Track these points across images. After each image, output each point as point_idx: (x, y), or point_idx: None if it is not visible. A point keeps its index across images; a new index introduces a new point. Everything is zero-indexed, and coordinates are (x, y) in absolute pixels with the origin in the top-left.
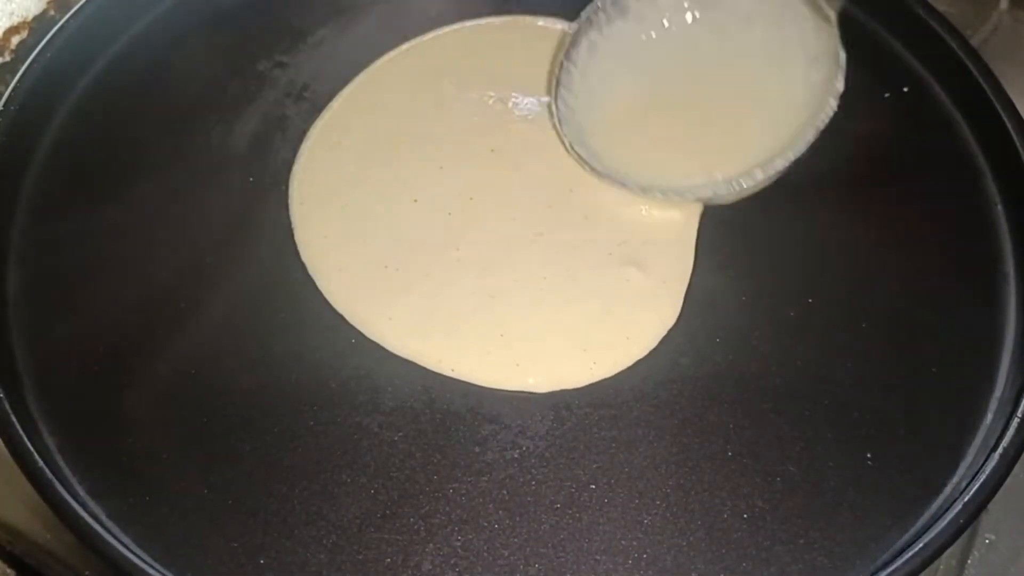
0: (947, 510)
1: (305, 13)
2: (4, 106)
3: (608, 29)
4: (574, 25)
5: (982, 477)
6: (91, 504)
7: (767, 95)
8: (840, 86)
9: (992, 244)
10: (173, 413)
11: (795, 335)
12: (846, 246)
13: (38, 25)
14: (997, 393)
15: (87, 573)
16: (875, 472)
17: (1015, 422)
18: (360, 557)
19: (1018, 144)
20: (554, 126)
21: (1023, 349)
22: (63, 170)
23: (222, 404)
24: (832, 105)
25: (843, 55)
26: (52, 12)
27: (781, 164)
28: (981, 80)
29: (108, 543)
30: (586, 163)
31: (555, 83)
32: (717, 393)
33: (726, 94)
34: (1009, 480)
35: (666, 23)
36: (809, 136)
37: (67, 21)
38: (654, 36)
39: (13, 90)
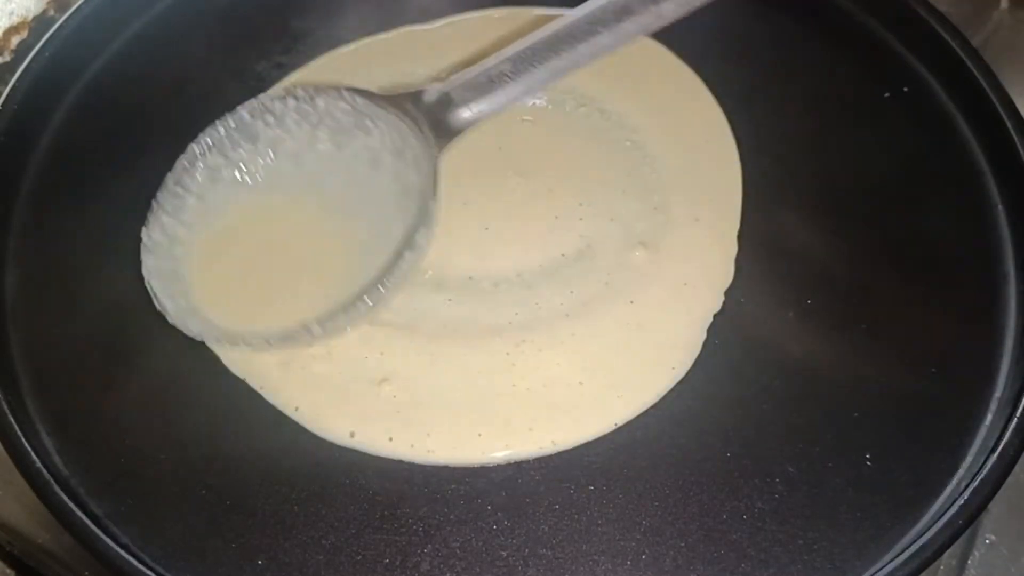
0: (947, 510)
1: (305, 13)
2: (3, 105)
3: (235, 154)
4: (192, 147)
5: (982, 477)
6: (89, 504)
7: (382, 232)
8: (422, 241)
9: (992, 244)
10: (172, 414)
11: (795, 335)
12: (846, 246)
13: (38, 25)
14: (997, 393)
15: (86, 573)
16: (875, 472)
17: (1015, 422)
18: (358, 558)
19: (1018, 144)
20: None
21: (1023, 349)
22: (62, 170)
23: (221, 405)
24: (407, 258)
25: (432, 205)
26: (52, 12)
27: (362, 308)
28: (981, 80)
29: (106, 544)
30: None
31: (157, 207)
32: (717, 393)
33: (332, 232)
34: (1009, 480)
35: (303, 153)
36: (396, 278)
37: (66, 21)
38: (293, 167)
39: (12, 89)
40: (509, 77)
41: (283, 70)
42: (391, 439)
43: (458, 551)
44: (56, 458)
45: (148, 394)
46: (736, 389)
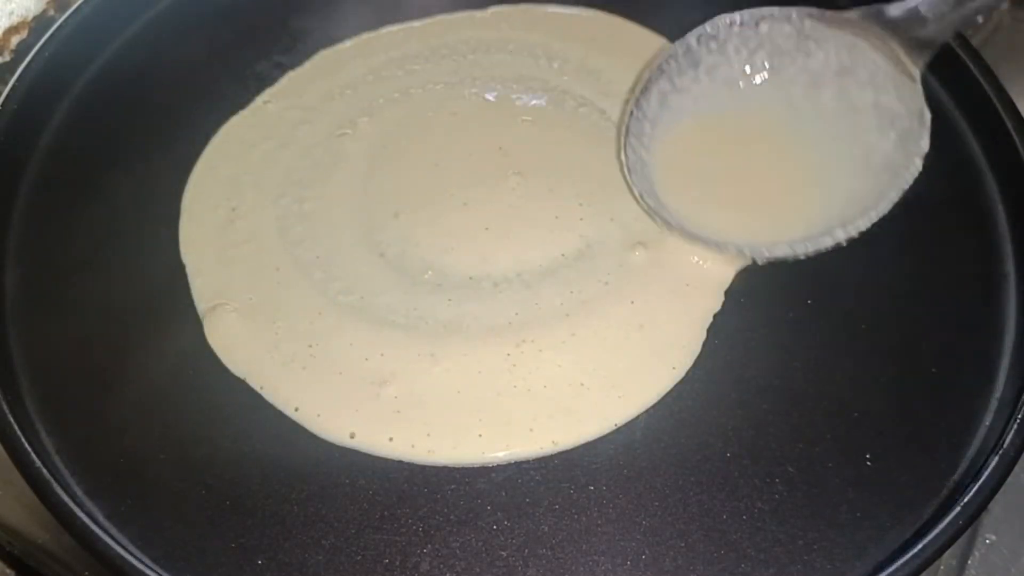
0: (947, 510)
1: (304, 13)
2: (3, 105)
3: (680, 80)
4: (645, 74)
5: (982, 477)
6: (89, 505)
7: (842, 156)
8: (925, 145)
9: (992, 244)
10: (171, 414)
11: (795, 335)
12: (845, 246)
13: (38, 25)
14: (997, 393)
15: (86, 574)
16: (875, 472)
17: (1015, 422)
18: (358, 558)
19: (1018, 144)
20: (623, 175)
21: (1023, 349)
22: (61, 170)
23: (221, 405)
24: (917, 165)
25: (928, 114)
26: (52, 12)
27: (864, 225)
28: (981, 80)
29: (106, 544)
30: (657, 215)
31: (624, 132)
32: (716, 393)
33: (799, 155)
34: (1009, 480)
35: (737, 78)
36: (893, 196)
37: (66, 21)
38: (725, 92)
39: (12, 89)
40: None
41: (283, 69)
42: (391, 439)
43: (458, 551)
44: (56, 458)
45: (148, 394)
46: (736, 389)
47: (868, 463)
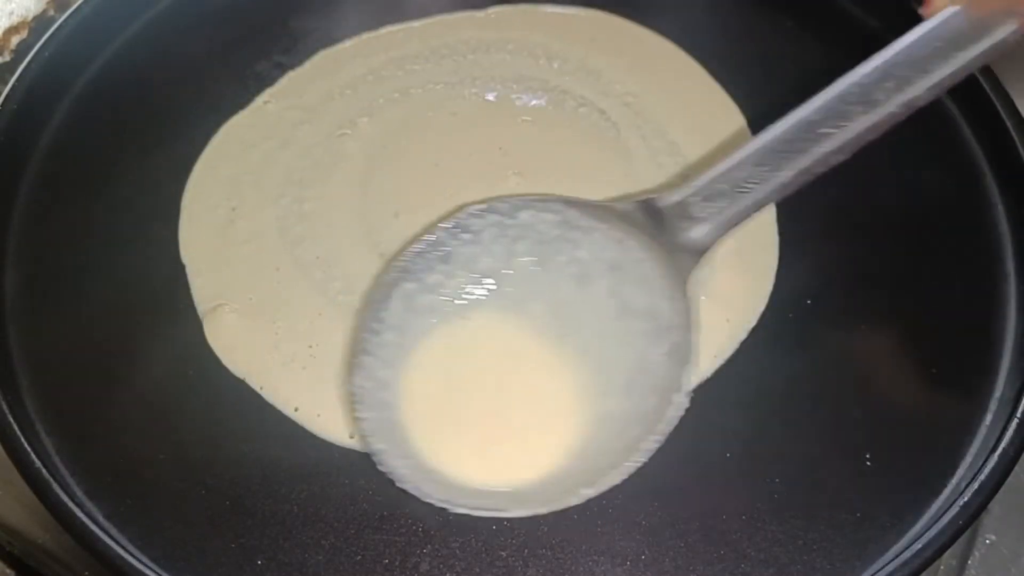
0: (947, 510)
1: (304, 13)
2: (3, 105)
3: (429, 277)
4: (383, 277)
5: (982, 477)
6: (88, 505)
7: (614, 367)
8: (687, 382)
9: (992, 244)
10: (171, 414)
11: (794, 336)
12: (844, 246)
13: (38, 25)
14: (997, 393)
15: (86, 574)
16: (875, 472)
17: (1015, 422)
18: (358, 558)
19: (1018, 144)
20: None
21: (1023, 349)
22: (61, 170)
23: (221, 405)
24: (678, 403)
25: (694, 336)
26: (52, 12)
27: (607, 484)
28: (981, 80)
29: (106, 544)
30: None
31: (358, 351)
32: (716, 393)
33: (567, 367)
34: (1009, 480)
35: (499, 267)
36: (646, 446)
37: (66, 21)
38: (484, 286)
39: (12, 89)
40: (754, 182)
41: (283, 69)
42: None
43: (458, 551)
44: (56, 458)
45: (148, 394)
46: (736, 389)
47: (868, 463)
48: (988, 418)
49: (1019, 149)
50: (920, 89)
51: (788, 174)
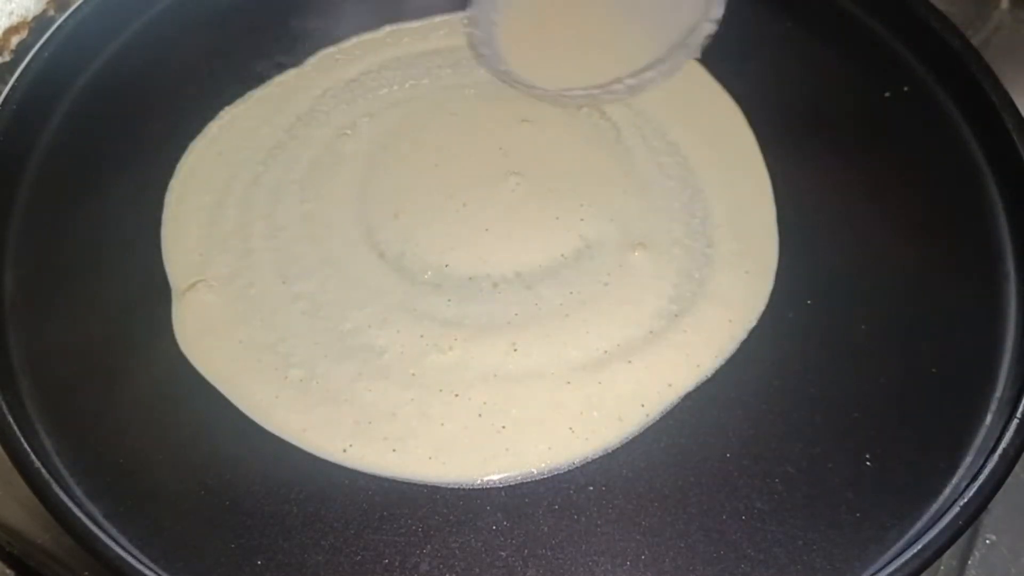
0: (947, 510)
1: (305, 13)
2: (3, 105)
3: None
4: None
5: (982, 477)
6: (88, 505)
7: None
8: (718, 11)
9: (992, 244)
10: (170, 414)
11: (794, 336)
12: (845, 246)
13: (38, 25)
14: (997, 393)
15: (86, 574)
16: (875, 472)
17: (1015, 422)
18: (358, 558)
19: (1018, 144)
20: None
21: (1023, 349)
22: (61, 170)
23: (221, 405)
24: (708, 28)
25: None
26: (52, 12)
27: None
28: (981, 80)
29: (105, 544)
30: (492, 67)
31: None
32: (715, 394)
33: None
34: (1009, 480)
35: None
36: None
37: (66, 21)
38: None
39: (12, 89)
40: None
41: (283, 69)
42: (386, 438)
43: (457, 551)
44: (56, 459)
45: (148, 394)
46: (735, 389)
47: (868, 463)
48: (988, 418)
49: (1019, 149)
50: None
51: None
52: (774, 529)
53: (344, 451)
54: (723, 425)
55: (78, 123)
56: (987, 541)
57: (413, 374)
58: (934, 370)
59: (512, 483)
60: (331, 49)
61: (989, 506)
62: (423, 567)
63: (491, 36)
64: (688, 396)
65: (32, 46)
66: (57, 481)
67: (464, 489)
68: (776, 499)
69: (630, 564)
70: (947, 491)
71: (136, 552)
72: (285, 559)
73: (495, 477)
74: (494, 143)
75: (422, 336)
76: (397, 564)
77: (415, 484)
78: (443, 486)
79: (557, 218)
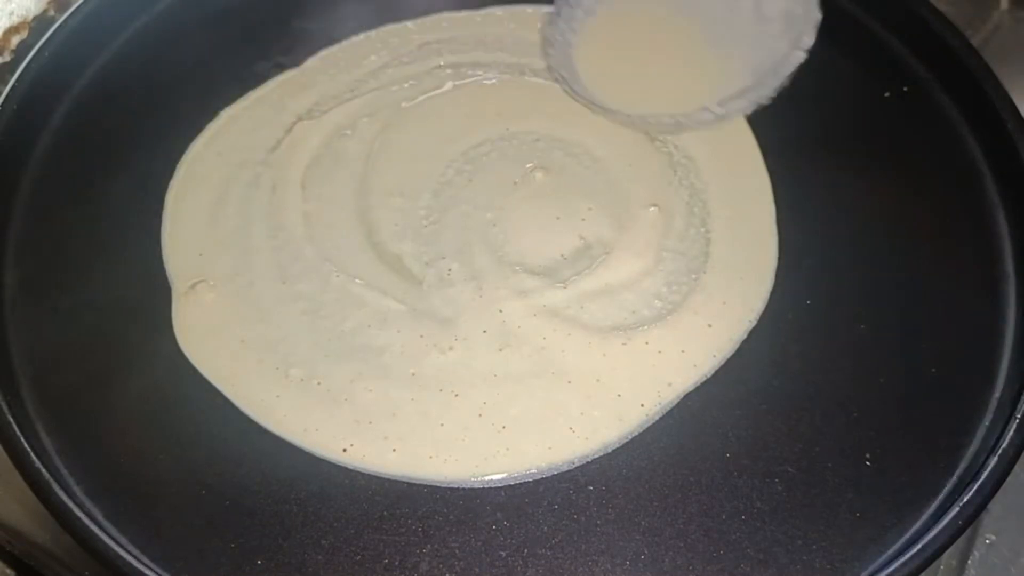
0: (947, 510)
1: (305, 13)
2: (3, 105)
3: None
4: None
5: (982, 477)
6: (88, 505)
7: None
8: (809, 40)
9: (992, 244)
10: (171, 414)
11: (794, 336)
12: (845, 246)
13: (38, 25)
14: (997, 393)
15: (86, 573)
16: (874, 472)
17: (1015, 422)
18: (358, 558)
19: (1018, 144)
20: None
21: (1023, 349)
22: (61, 169)
23: (221, 405)
24: (799, 56)
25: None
26: (52, 12)
27: (741, 105)
28: (981, 80)
29: (106, 544)
30: (568, 86)
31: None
32: (715, 394)
33: (699, 27)
34: (1009, 480)
35: None
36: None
37: (66, 21)
38: None
39: (12, 89)
40: None
41: (283, 69)
42: (386, 438)
43: (457, 551)
44: (56, 458)
45: (148, 394)
46: (736, 389)
47: (868, 463)
48: (988, 418)
49: (1019, 149)
50: None
51: None
52: (774, 529)
53: (344, 451)
54: (723, 425)
55: (78, 123)
56: (987, 541)
57: (413, 374)
58: (934, 370)
59: (512, 483)
60: (331, 49)
61: (989, 506)
62: (423, 567)
63: (568, 58)
64: (688, 396)
65: (32, 46)
66: (57, 481)
67: (464, 489)
68: (776, 499)
69: (630, 564)
70: (947, 491)
71: (136, 552)
72: (285, 559)
73: (495, 477)
74: (496, 142)
75: (422, 336)
76: (397, 564)
77: (415, 484)
78: (443, 486)
79: (558, 218)
